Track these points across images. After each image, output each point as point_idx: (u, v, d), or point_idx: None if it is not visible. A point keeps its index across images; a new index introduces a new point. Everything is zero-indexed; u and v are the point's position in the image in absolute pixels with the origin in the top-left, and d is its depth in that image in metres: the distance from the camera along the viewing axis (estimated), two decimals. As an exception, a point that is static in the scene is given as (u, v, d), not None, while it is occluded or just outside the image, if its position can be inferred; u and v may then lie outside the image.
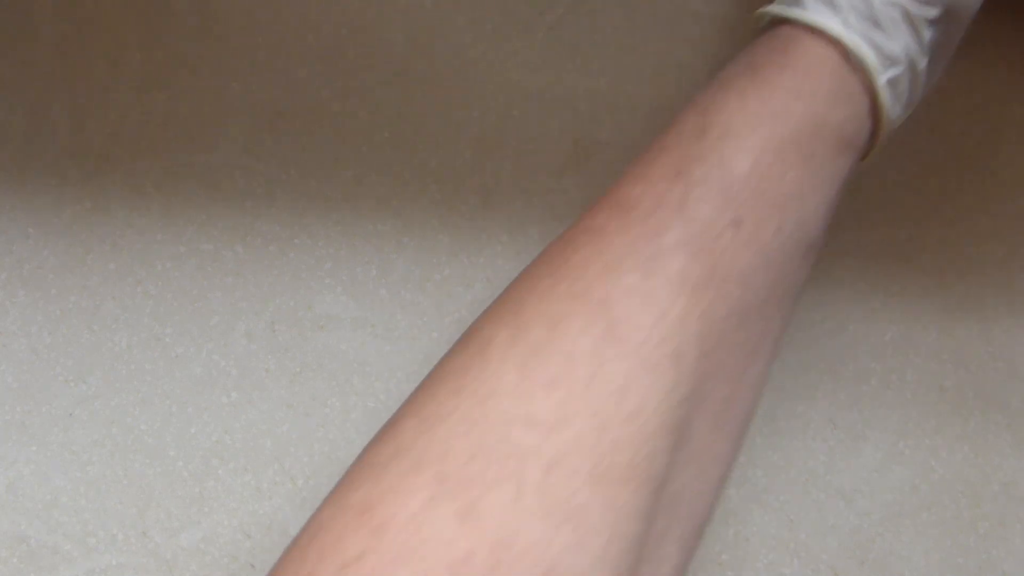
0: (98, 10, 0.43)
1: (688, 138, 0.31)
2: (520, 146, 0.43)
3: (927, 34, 0.33)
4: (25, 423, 0.42)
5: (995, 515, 0.42)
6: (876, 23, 0.32)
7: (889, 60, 0.32)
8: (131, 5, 0.44)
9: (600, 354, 0.27)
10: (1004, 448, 0.42)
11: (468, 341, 0.29)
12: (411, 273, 0.43)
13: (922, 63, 0.33)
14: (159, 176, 0.43)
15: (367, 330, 0.42)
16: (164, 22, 0.43)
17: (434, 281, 0.43)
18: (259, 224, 0.43)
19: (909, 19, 0.32)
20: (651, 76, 0.43)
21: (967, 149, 0.43)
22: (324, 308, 0.43)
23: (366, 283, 0.43)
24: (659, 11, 0.43)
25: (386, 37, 0.43)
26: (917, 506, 0.42)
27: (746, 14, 0.44)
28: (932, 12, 0.32)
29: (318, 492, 0.41)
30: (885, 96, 0.32)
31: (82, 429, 0.42)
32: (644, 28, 0.43)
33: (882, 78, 0.32)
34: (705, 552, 0.41)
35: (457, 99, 0.43)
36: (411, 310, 0.42)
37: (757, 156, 0.30)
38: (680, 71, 0.43)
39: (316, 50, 0.43)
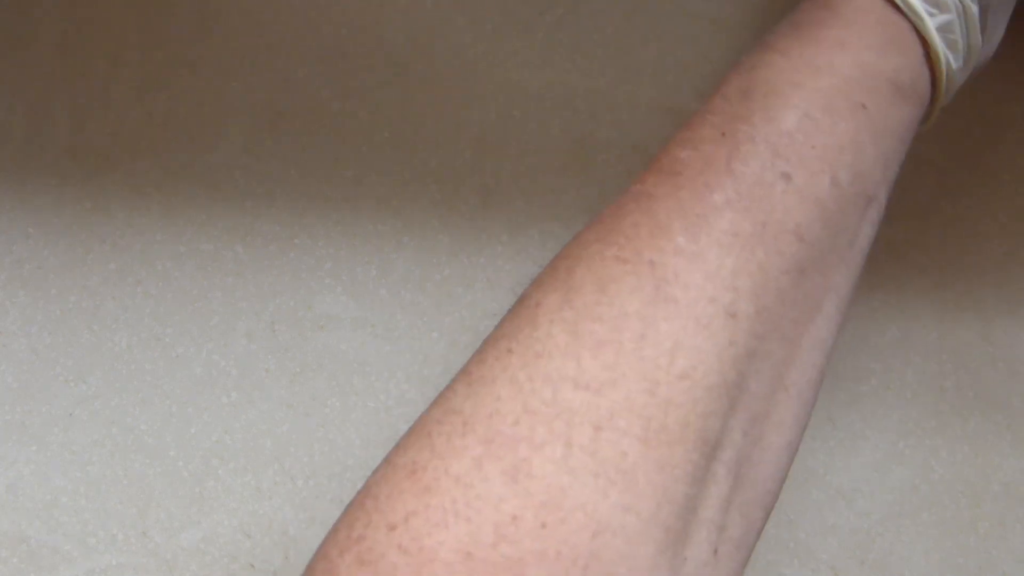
0: (98, 10, 0.43)
1: (733, 99, 0.31)
2: (520, 146, 0.43)
3: None
4: (25, 423, 0.42)
5: (995, 515, 0.42)
6: None
7: (937, 6, 0.31)
8: (131, 5, 0.44)
9: (649, 314, 0.27)
10: (1004, 448, 0.42)
11: (519, 306, 0.29)
12: (411, 273, 0.43)
13: (973, 9, 0.32)
14: (159, 176, 0.43)
15: (367, 330, 0.42)
16: (164, 22, 0.43)
17: (434, 281, 0.43)
18: (259, 224, 0.43)
19: None
20: (651, 76, 0.43)
21: (967, 149, 0.43)
22: (324, 308, 0.43)
23: (366, 283, 0.43)
24: (659, 11, 0.43)
25: (386, 37, 0.43)
26: (917, 506, 0.42)
27: (746, 14, 0.44)
28: None
29: (318, 492, 0.41)
30: (938, 42, 0.31)
31: (82, 429, 0.42)
32: (644, 28, 0.43)
33: (932, 23, 0.31)
34: (705, 552, 0.41)
35: (457, 99, 0.43)
36: (411, 310, 0.42)
37: (804, 110, 0.30)
38: (680, 71, 0.43)
39: (316, 50, 0.43)
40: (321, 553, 0.27)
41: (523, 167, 0.43)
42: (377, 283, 0.43)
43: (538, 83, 0.43)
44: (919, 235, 0.43)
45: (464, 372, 0.28)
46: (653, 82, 0.43)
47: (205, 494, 0.41)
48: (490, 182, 0.43)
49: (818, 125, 0.30)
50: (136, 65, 0.43)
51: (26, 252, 0.43)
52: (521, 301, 0.29)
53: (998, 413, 0.42)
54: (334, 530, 0.27)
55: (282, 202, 0.43)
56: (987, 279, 0.43)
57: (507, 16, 0.43)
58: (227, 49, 0.43)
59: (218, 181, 0.43)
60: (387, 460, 0.28)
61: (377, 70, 0.43)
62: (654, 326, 0.27)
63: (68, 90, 0.43)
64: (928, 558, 0.41)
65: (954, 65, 0.33)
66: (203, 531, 0.41)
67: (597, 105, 0.43)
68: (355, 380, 0.42)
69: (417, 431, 0.28)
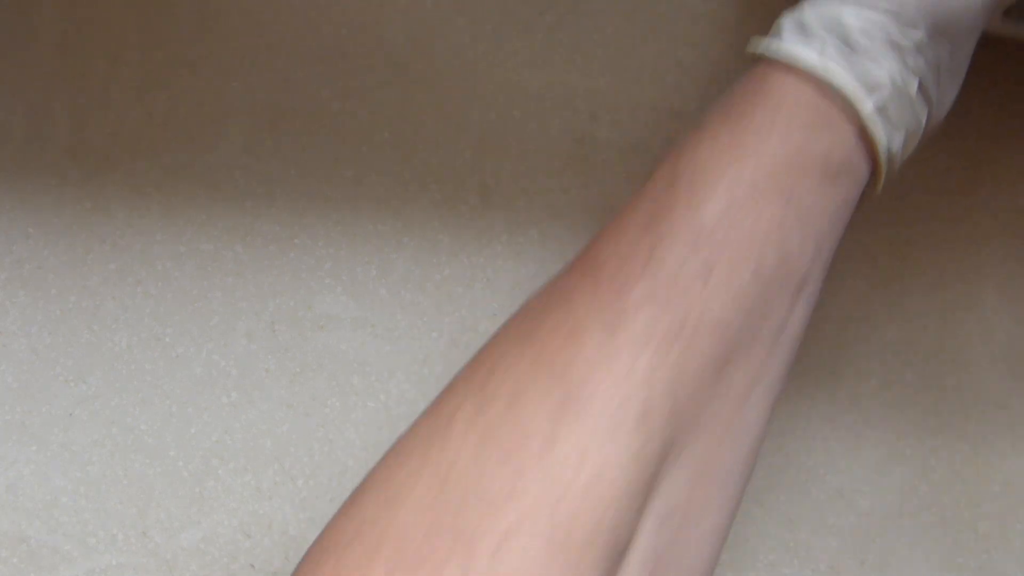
0: (98, 10, 0.43)
1: (659, 189, 0.31)
2: (520, 146, 0.43)
3: (915, 56, 0.32)
4: (25, 423, 0.42)
5: (995, 515, 0.42)
6: (854, 49, 0.31)
7: (871, 86, 0.31)
8: (131, 5, 0.44)
9: (557, 423, 0.27)
10: (1004, 448, 0.42)
11: (437, 410, 0.29)
12: (411, 273, 0.43)
13: (912, 86, 0.32)
14: (159, 176, 0.43)
15: (367, 330, 0.42)
16: (164, 22, 0.43)
17: (434, 281, 0.43)
18: (259, 224, 0.43)
19: (891, 42, 0.31)
20: (651, 76, 0.43)
21: (967, 149, 0.43)
22: (324, 308, 0.43)
23: (366, 283, 0.43)
24: (659, 11, 0.43)
25: (386, 37, 0.43)
26: (917, 506, 0.42)
27: (746, 14, 0.44)
28: (916, 34, 0.32)
29: (318, 492, 0.42)
30: (874, 124, 0.31)
31: (82, 429, 0.42)
32: (644, 28, 0.43)
33: (865, 105, 0.31)
34: (705, 552, 0.42)
35: (457, 99, 0.43)
36: (411, 310, 0.42)
37: (728, 199, 0.30)
38: (680, 71, 0.43)
39: (316, 50, 0.43)
40: None
41: (523, 167, 0.43)
42: (377, 283, 0.43)
43: (538, 83, 0.43)
44: (919, 235, 0.43)
45: (378, 482, 0.29)
46: (653, 82, 0.43)
47: (205, 494, 0.41)
48: (490, 182, 0.43)
49: (742, 214, 0.29)
50: (136, 65, 0.43)
51: (26, 252, 0.43)
52: (440, 403, 0.29)
53: (998, 413, 0.42)
54: None
55: (282, 202, 0.43)
56: (987, 279, 0.43)
57: (507, 16, 0.43)
58: (227, 49, 0.43)
59: (218, 181, 0.43)
60: (305, 572, 0.28)
61: (377, 70, 0.43)
62: (563, 434, 0.27)
63: (68, 90, 0.43)
64: (928, 558, 0.41)
65: (895, 144, 0.32)
66: (203, 531, 0.41)
67: (597, 105, 0.43)
68: (355, 380, 0.42)
69: (333, 544, 0.28)
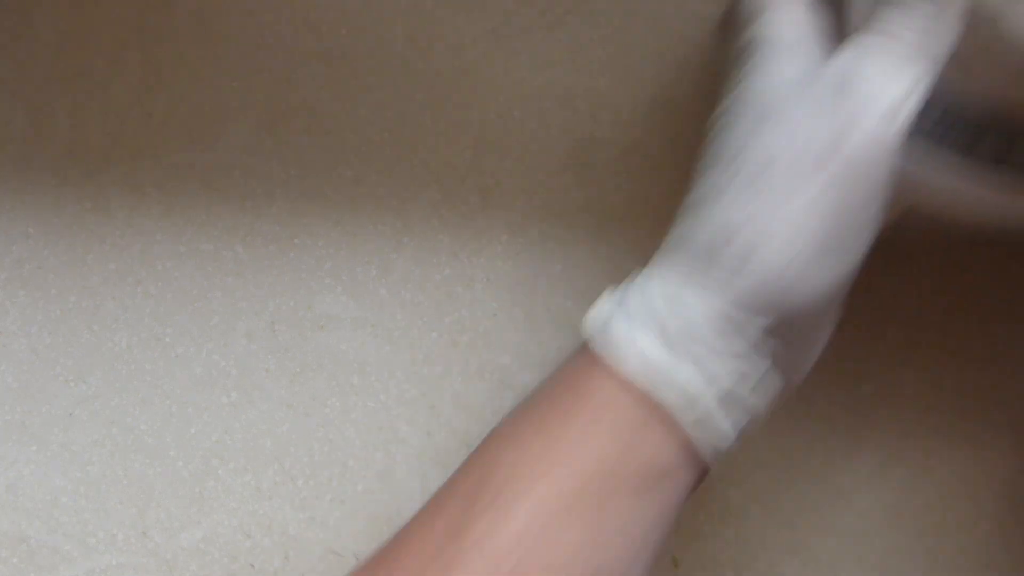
0: (98, 10, 0.43)
1: (467, 494, 0.29)
2: (520, 146, 0.43)
3: (764, 339, 0.30)
4: (25, 423, 0.42)
5: (995, 515, 0.42)
6: (693, 339, 0.29)
7: (709, 378, 0.29)
8: (131, 5, 0.44)
9: None
10: (1004, 448, 0.42)
11: None
12: (411, 273, 0.43)
13: (760, 369, 0.30)
14: (159, 176, 0.43)
15: (367, 330, 0.42)
16: (164, 22, 0.43)
17: (434, 281, 0.43)
18: (259, 224, 0.43)
19: (736, 329, 0.30)
20: (651, 76, 0.43)
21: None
22: (324, 308, 0.43)
23: (366, 283, 0.43)
24: (659, 11, 0.43)
25: (386, 37, 0.43)
26: (917, 506, 0.42)
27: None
28: (764, 320, 0.30)
29: (318, 492, 0.42)
30: (700, 430, 0.30)
31: (82, 429, 0.42)
32: (644, 28, 0.43)
33: (690, 414, 0.29)
34: (705, 552, 0.41)
35: (457, 99, 0.43)
36: (411, 310, 0.42)
37: (531, 519, 0.28)
38: (680, 71, 0.43)
39: (316, 50, 0.43)
40: None
41: (523, 167, 0.43)
42: (377, 283, 0.43)
43: (538, 83, 0.43)
44: (919, 234, 0.43)
45: None
46: (653, 82, 0.43)
47: (205, 494, 0.41)
48: (490, 182, 0.43)
49: (545, 535, 0.28)
50: (136, 65, 0.43)
51: (26, 252, 0.43)
52: None
53: (997, 412, 0.42)
54: None
55: (282, 202, 0.43)
56: (987, 279, 0.43)
57: (507, 16, 0.43)
58: (227, 49, 0.43)
59: (218, 181, 0.43)
60: None
61: (377, 70, 0.43)
62: None
63: (68, 90, 0.43)
64: (928, 558, 0.41)
65: (738, 427, 0.31)
66: (203, 531, 0.41)
67: (597, 105, 0.43)
68: (355, 380, 0.42)
69: None
